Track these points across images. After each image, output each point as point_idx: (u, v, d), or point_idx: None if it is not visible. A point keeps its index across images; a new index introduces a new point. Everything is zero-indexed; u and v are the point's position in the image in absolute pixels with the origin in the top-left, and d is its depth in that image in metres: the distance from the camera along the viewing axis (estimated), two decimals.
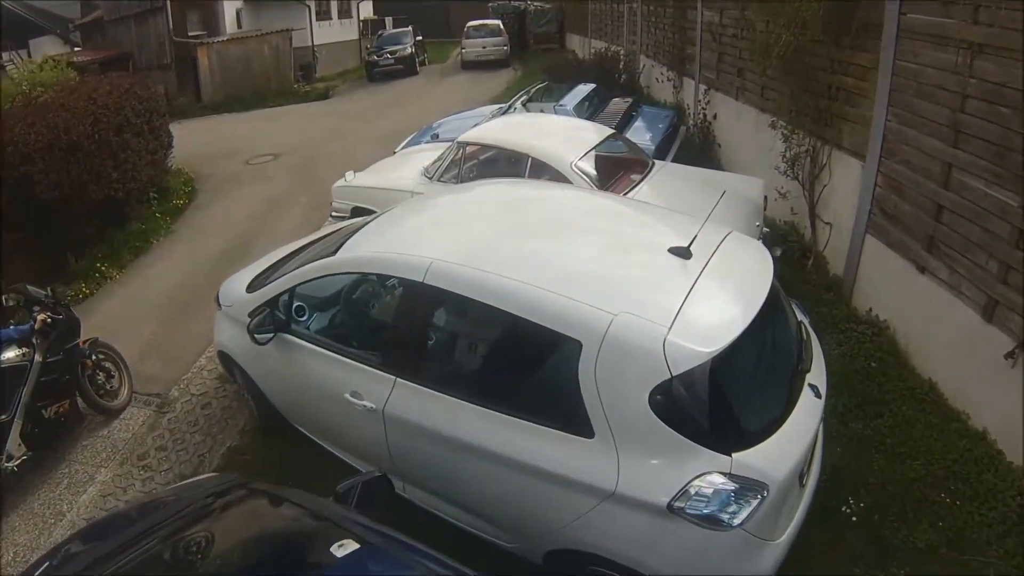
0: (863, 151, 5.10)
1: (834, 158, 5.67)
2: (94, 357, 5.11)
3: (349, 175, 6.86)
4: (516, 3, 26.74)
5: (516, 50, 23.97)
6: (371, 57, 23.82)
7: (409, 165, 6.86)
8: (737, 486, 2.54)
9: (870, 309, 5.12)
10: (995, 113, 3.68)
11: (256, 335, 3.74)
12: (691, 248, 3.08)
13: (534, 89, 10.50)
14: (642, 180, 5.72)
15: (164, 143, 10.17)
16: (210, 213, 9.67)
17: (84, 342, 5.07)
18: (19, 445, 4.45)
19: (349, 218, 6.32)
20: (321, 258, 3.74)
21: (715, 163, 8.73)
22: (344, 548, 2.00)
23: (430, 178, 6.22)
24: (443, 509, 3.40)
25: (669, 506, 2.55)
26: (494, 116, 8.82)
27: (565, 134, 6.37)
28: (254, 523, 2.38)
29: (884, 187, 4.88)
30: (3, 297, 5.12)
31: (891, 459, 3.94)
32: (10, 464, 4.39)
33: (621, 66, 13.79)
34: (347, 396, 3.40)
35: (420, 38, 25.64)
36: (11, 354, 4.48)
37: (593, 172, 5.58)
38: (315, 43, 24.75)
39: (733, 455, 2.56)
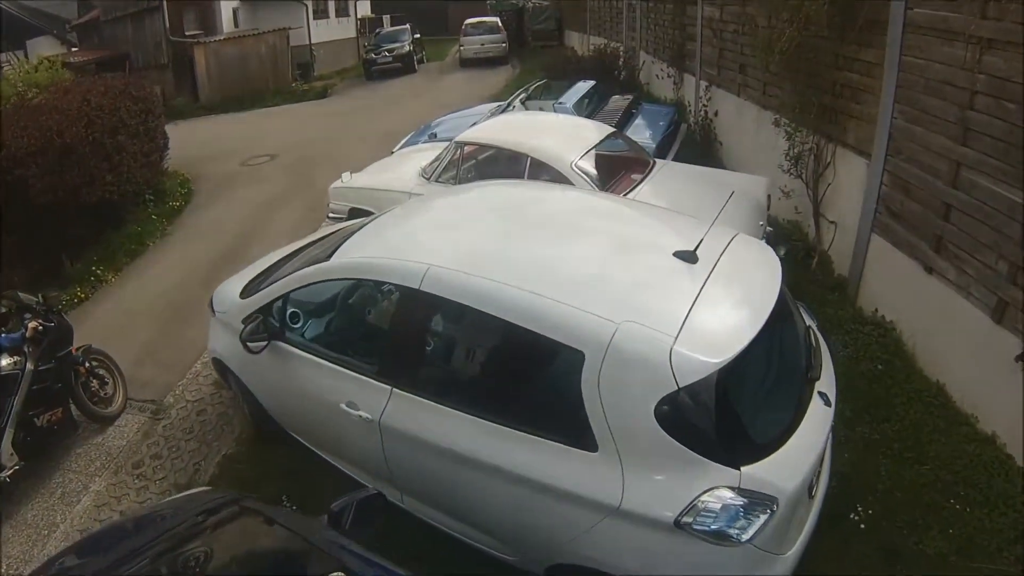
0: (868, 149, 5.01)
1: (838, 156, 5.59)
2: (87, 364, 5.04)
3: (346, 176, 6.78)
4: (514, 0, 26.62)
5: (514, 47, 23.92)
6: (369, 55, 23.75)
7: (407, 165, 6.77)
8: (746, 501, 2.46)
9: (876, 310, 5.04)
10: (1005, 110, 3.59)
11: (249, 343, 3.66)
12: (697, 252, 2.99)
13: (533, 87, 10.39)
14: (643, 180, 5.63)
15: (160, 144, 10.09)
16: (207, 215, 9.60)
17: (77, 349, 5.01)
18: (11, 455, 4.39)
19: (346, 220, 6.23)
20: (315, 263, 3.65)
21: (716, 161, 8.64)
22: None
23: (428, 179, 6.14)
24: (442, 521, 3.32)
25: (676, 522, 2.47)
26: (492, 115, 8.73)
27: (565, 133, 6.27)
28: (243, 546, 2.30)
29: (890, 186, 4.79)
30: None
31: (899, 464, 3.86)
32: (2, 474, 4.33)
33: (620, 63, 13.70)
34: (343, 406, 3.31)
35: (418, 36, 25.55)
36: (2, 363, 4.41)
37: (593, 172, 5.49)
38: (313, 42, 24.64)
39: (742, 469, 2.48)
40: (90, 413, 4.99)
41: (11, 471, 4.37)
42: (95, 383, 5.11)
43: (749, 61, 7.54)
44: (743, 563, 2.53)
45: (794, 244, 6.04)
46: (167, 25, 20.83)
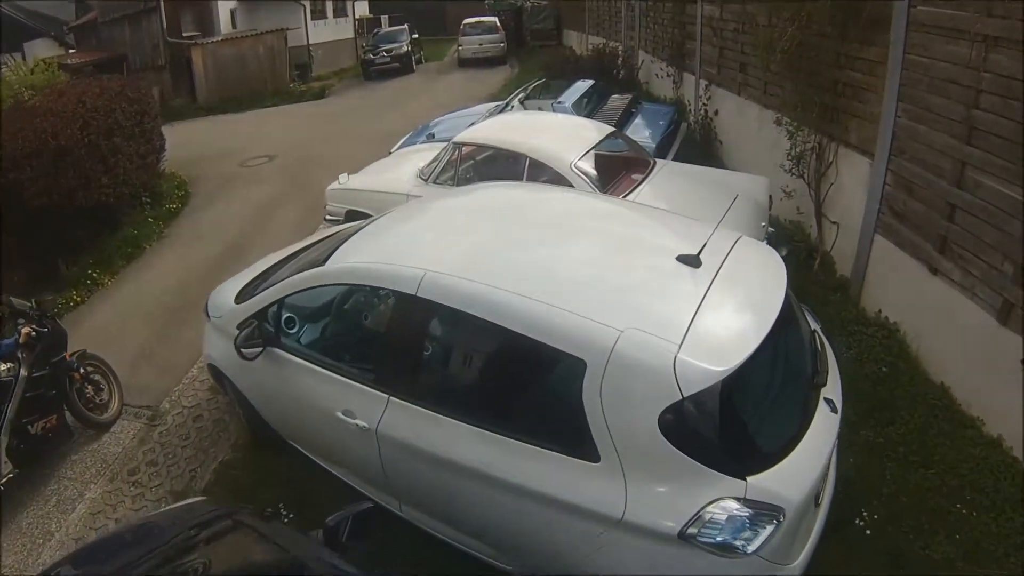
0: (871, 148, 4.96)
1: (841, 155, 5.53)
2: (82, 370, 4.99)
3: (343, 177, 6.72)
4: (512, 0, 26.58)
5: (513, 47, 23.85)
6: (367, 56, 23.70)
7: (404, 166, 6.72)
8: (752, 512, 2.41)
9: (879, 311, 4.99)
10: (1011, 109, 3.54)
11: (243, 350, 3.60)
12: (700, 256, 2.92)
13: (531, 86, 10.33)
14: (644, 180, 5.57)
15: (156, 146, 10.02)
16: (204, 217, 9.54)
17: (72, 354, 4.96)
18: (5, 462, 4.34)
19: (343, 222, 6.18)
20: (311, 268, 3.59)
21: (717, 161, 8.59)
22: None
23: (425, 180, 6.08)
24: (441, 530, 3.27)
25: (680, 533, 2.41)
26: (491, 114, 8.67)
27: (564, 133, 6.22)
28: (234, 563, 2.25)
29: (894, 185, 4.74)
30: None
31: (904, 468, 3.82)
32: None
33: (620, 62, 13.65)
34: (339, 415, 3.26)
35: (416, 36, 25.49)
36: None
37: (593, 172, 5.44)
38: (311, 42, 24.56)
39: (748, 479, 2.43)
40: (85, 419, 4.94)
41: (5, 479, 4.33)
42: (90, 389, 5.06)
43: (750, 60, 7.48)
44: (749, 574, 2.48)
45: (796, 245, 5.98)
46: (164, 26, 20.77)
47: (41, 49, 22.33)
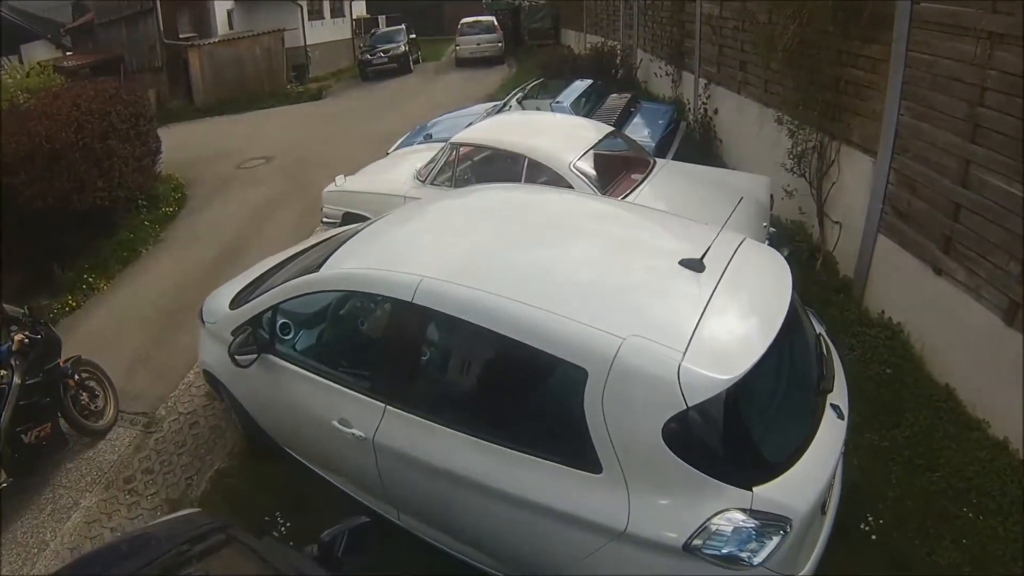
0: (874, 147, 4.90)
1: (843, 154, 5.47)
2: (77, 376, 4.92)
3: (339, 179, 6.66)
4: None
5: (511, 47, 23.77)
6: (364, 56, 23.60)
7: (401, 168, 6.66)
8: (758, 523, 2.35)
9: (883, 312, 4.93)
10: (1016, 106, 3.48)
11: (237, 357, 3.53)
12: (703, 260, 2.85)
13: (530, 86, 10.26)
14: (644, 180, 5.51)
15: (152, 149, 9.96)
16: (201, 220, 9.49)
17: (66, 361, 4.90)
18: None
19: (340, 224, 6.12)
20: (305, 273, 3.52)
21: (717, 160, 8.54)
22: None
23: (423, 181, 6.02)
24: (440, 539, 3.21)
25: (685, 545, 2.35)
26: (489, 114, 8.61)
27: (562, 133, 6.17)
28: None
29: (897, 184, 4.69)
30: None
31: (909, 471, 3.76)
32: None
33: (618, 61, 13.59)
34: (335, 423, 3.19)
35: (414, 36, 25.40)
36: None
37: (592, 173, 5.38)
38: (308, 43, 24.47)
39: (754, 490, 2.37)
40: (80, 427, 4.88)
41: None
42: (85, 396, 5.00)
43: (749, 58, 7.43)
44: None
45: (798, 245, 5.93)
46: (161, 28, 20.70)
47: (38, 52, 22.35)
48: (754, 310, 2.78)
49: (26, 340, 4.50)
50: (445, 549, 3.22)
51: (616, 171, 5.61)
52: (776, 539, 2.35)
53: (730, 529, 2.35)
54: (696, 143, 9.04)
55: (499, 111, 8.86)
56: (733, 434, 2.46)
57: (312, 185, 8.91)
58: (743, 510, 2.35)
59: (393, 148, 8.70)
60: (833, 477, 2.76)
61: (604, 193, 5.23)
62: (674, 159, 7.09)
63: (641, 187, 5.39)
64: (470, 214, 3.82)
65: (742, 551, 2.34)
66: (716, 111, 8.99)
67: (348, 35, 28.67)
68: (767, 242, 4.61)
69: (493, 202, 4.00)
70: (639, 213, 4.03)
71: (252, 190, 10.40)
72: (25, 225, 7.35)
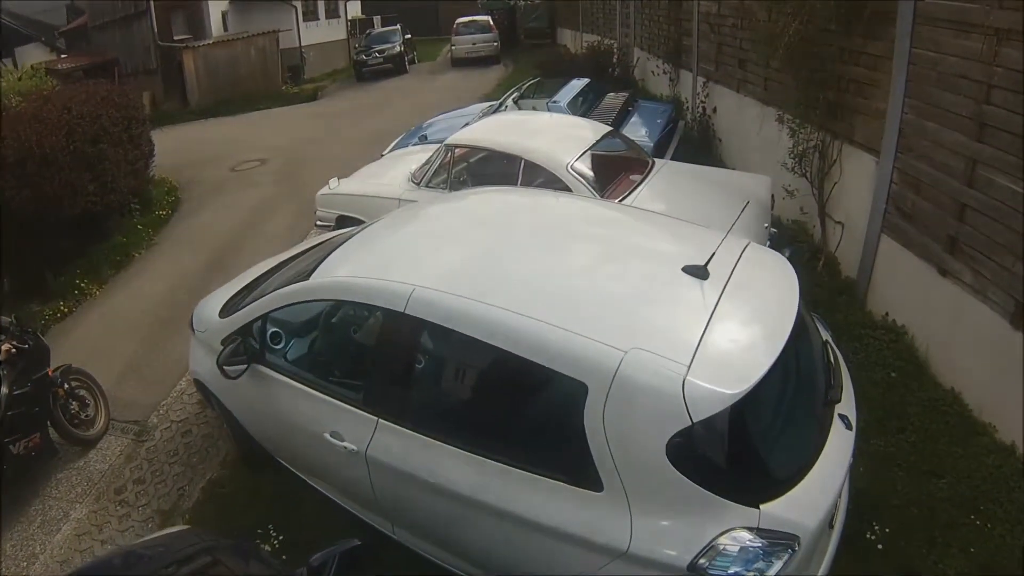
0: (877, 146, 4.83)
1: (845, 153, 5.40)
2: (66, 385, 4.84)
3: (333, 182, 6.56)
4: None
5: (507, 46, 23.72)
6: (359, 56, 23.56)
7: (396, 169, 6.57)
8: (766, 542, 2.26)
9: (886, 314, 4.85)
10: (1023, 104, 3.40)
11: (226, 368, 3.44)
12: (708, 266, 2.75)
13: (526, 85, 10.18)
14: (643, 181, 5.43)
15: (145, 152, 9.86)
16: (194, 223, 9.40)
17: (55, 369, 4.81)
18: None
19: (334, 228, 6.03)
20: (296, 281, 3.41)
21: (716, 159, 8.46)
22: None
23: (417, 183, 5.93)
24: (435, 554, 3.12)
25: (690, 566, 2.26)
26: (484, 115, 8.53)
27: (560, 133, 6.08)
28: None
29: (901, 184, 4.61)
30: None
31: (915, 478, 3.68)
32: None
33: (615, 60, 13.52)
34: (327, 436, 3.10)
35: (409, 36, 25.39)
36: None
37: (590, 174, 5.30)
38: (303, 44, 24.41)
39: (761, 507, 2.28)
40: (70, 436, 4.79)
41: None
42: (75, 405, 4.92)
43: (749, 56, 7.36)
44: None
45: (799, 245, 5.84)
46: (155, 29, 20.59)
47: (33, 54, 22.20)
48: (760, 319, 2.69)
49: (14, 350, 4.42)
50: (440, 564, 3.13)
51: (614, 172, 5.52)
52: (784, 558, 2.27)
53: (736, 549, 2.26)
54: (695, 142, 8.97)
55: (495, 111, 8.78)
56: (739, 450, 2.37)
57: (307, 187, 8.83)
58: (750, 529, 2.27)
59: (388, 150, 8.62)
60: (841, 490, 2.67)
61: (602, 194, 5.14)
62: (672, 159, 7.01)
63: (640, 188, 5.30)
64: (465, 219, 3.73)
65: (748, 571, 2.26)
66: (715, 110, 8.92)
67: (343, 36, 28.63)
68: (768, 243, 4.53)
69: (488, 206, 3.90)
70: (639, 217, 3.93)
71: (246, 193, 10.32)
72: (16, 231, 7.24)
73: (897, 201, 4.66)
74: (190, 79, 20.21)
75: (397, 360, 2.99)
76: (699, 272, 2.72)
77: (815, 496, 2.41)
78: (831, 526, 2.67)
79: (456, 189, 5.52)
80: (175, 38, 21.06)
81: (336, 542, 2.19)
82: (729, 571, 2.25)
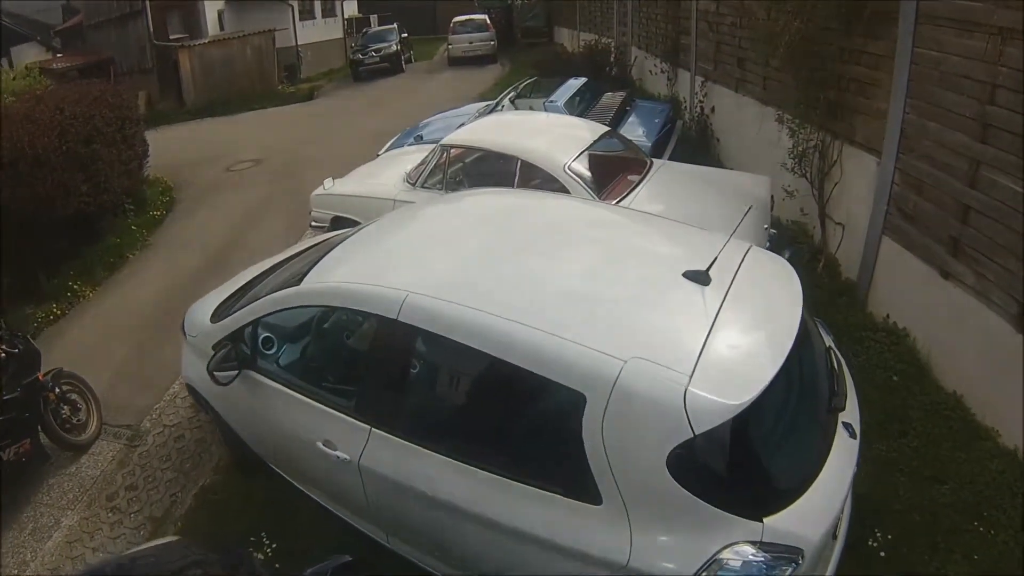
0: (878, 146, 4.78)
1: (846, 154, 5.35)
2: (58, 389, 4.76)
3: (328, 182, 6.50)
4: None
5: (504, 45, 23.63)
6: (356, 56, 23.47)
7: (392, 170, 6.50)
8: (769, 556, 2.21)
9: (887, 316, 4.81)
10: None
11: (217, 374, 3.37)
12: (709, 272, 2.68)
13: (523, 85, 10.11)
14: (642, 181, 5.37)
15: (139, 152, 9.77)
16: (189, 224, 9.33)
17: (46, 373, 4.74)
18: None
19: (329, 229, 5.97)
20: (288, 285, 3.34)
21: (714, 159, 8.41)
22: None
23: (413, 184, 5.87)
24: (430, 564, 3.06)
25: None
26: (481, 115, 8.46)
27: (557, 133, 6.02)
28: None
29: (902, 185, 4.56)
30: None
31: (917, 483, 3.63)
32: None
33: (612, 59, 13.47)
34: (319, 445, 3.04)
35: (405, 35, 25.31)
36: None
37: (588, 174, 5.24)
38: (299, 43, 24.34)
39: (764, 520, 2.22)
40: (61, 441, 4.73)
41: None
42: (67, 409, 4.84)
43: (748, 55, 7.31)
44: None
45: (799, 246, 5.78)
46: (151, 29, 20.51)
47: (28, 54, 22.12)
48: (763, 326, 2.62)
49: (2, 354, 4.36)
50: (435, 574, 3.08)
51: (612, 172, 5.47)
52: (787, 572, 2.22)
53: (739, 563, 2.20)
54: (693, 142, 8.91)
55: (491, 111, 8.71)
56: (742, 462, 2.31)
57: (302, 187, 8.76)
58: (753, 543, 2.21)
59: (383, 150, 8.55)
60: (845, 500, 2.62)
61: (600, 195, 5.09)
62: (670, 159, 6.95)
63: (638, 189, 5.25)
64: (460, 222, 3.66)
65: None
66: (713, 109, 8.87)
67: (339, 35, 28.58)
68: (768, 244, 4.47)
69: (484, 208, 3.84)
70: (638, 220, 3.85)
71: (241, 193, 10.25)
72: (9, 232, 7.17)
73: (898, 202, 4.61)
74: (186, 78, 20.12)
75: (390, 368, 2.93)
76: (701, 278, 2.66)
77: (819, 508, 2.36)
78: (835, 536, 2.61)
79: (452, 190, 5.46)
80: (171, 37, 20.98)
81: (329, 557, 2.13)
82: None
